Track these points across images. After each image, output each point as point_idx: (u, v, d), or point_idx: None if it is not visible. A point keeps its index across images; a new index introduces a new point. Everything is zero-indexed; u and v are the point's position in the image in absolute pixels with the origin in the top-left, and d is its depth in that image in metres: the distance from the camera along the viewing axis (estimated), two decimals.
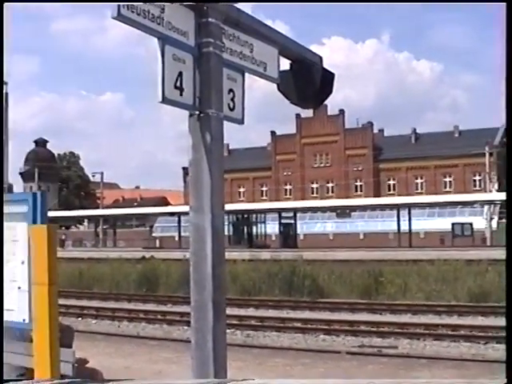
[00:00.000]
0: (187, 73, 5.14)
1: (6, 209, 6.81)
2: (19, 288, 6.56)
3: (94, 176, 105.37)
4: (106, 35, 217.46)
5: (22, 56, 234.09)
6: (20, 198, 7.03)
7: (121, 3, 4.56)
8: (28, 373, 7.54)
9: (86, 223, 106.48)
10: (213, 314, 5.18)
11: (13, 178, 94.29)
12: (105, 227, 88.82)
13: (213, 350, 5.24)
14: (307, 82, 6.51)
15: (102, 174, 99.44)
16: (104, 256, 46.41)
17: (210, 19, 5.27)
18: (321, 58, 6.71)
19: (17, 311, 6.59)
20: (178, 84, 5.03)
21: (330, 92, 6.80)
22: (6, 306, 6.72)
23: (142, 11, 4.77)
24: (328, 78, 6.74)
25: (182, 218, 70.50)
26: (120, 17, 4.59)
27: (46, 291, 5.74)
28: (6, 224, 6.75)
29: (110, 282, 34.64)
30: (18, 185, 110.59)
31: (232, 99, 5.70)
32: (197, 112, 5.22)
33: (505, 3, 5.69)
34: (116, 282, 34.30)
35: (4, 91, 58.28)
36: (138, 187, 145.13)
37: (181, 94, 5.06)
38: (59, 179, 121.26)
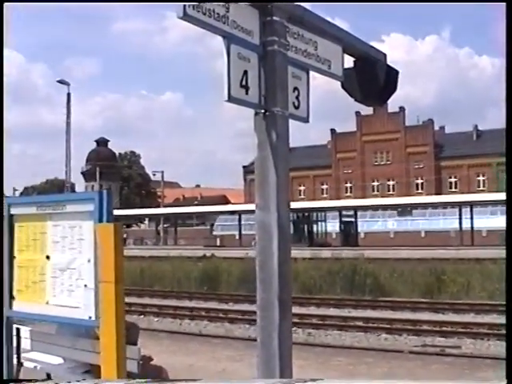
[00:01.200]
0: (252, 71, 5.15)
1: (72, 208, 6.89)
2: (85, 286, 6.63)
3: (154, 175, 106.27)
4: (165, 35, 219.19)
5: (84, 57, 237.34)
6: (86, 196, 7.11)
7: (187, 3, 4.58)
8: (94, 369, 7.63)
9: (146, 222, 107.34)
10: (279, 313, 5.18)
11: (74, 177, 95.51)
12: (166, 226, 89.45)
13: (278, 348, 5.24)
14: (371, 79, 6.47)
15: (162, 172, 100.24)
16: (165, 254, 46.67)
17: (274, 18, 5.27)
18: (385, 55, 6.67)
19: (83, 309, 6.66)
20: (244, 83, 5.05)
21: (395, 89, 6.75)
22: (71, 303, 6.81)
23: (208, 10, 4.79)
24: (392, 76, 6.69)
25: (243, 216, 70.69)
26: (186, 16, 4.61)
27: (113, 289, 5.79)
28: (71, 222, 6.84)
29: (171, 280, 34.83)
30: (79, 184, 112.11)
31: (297, 97, 5.70)
32: (262, 110, 5.23)
33: (505, 3, 5.64)
34: (177, 280, 34.49)
35: (67, 91, 59.07)
36: (198, 186, 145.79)
37: (246, 93, 5.07)
38: (120, 178, 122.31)
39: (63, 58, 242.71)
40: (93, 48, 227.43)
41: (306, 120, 5.87)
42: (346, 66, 6.27)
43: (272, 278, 5.15)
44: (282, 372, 5.23)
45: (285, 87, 5.37)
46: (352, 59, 6.46)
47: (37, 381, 3.90)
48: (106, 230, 5.91)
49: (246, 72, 5.07)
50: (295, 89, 5.67)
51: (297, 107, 5.68)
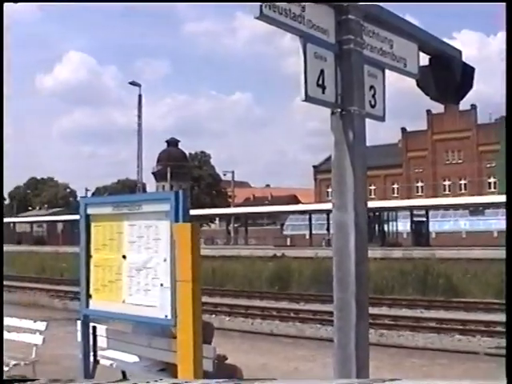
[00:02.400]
0: (329, 70, 5.13)
1: (147, 208, 6.95)
2: (161, 285, 6.69)
3: (225, 175, 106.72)
4: (234, 36, 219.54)
5: (154, 58, 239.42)
6: (162, 196, 7.18)
7: (263, 3, 4.59)
8: (169, 368, 7.68)
9: (217, 221, 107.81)
10: (356, 313, 5.15)
11: (145, 177, 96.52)
12: (236, 225, 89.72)
13: (355, 349, 5.21)
14: (447, 76, 6.39)
15: (232, 172, 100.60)
16: (235, 254, 46.88)
17: (350, 16, 5.25)
18: (460, 52, 6.57)
19: (159, 308, 6.72)
20: (320, 82, 5.03)
21: (471, 87, 6.66)
22: (148, 302, 6.87)
23: (284, 10, 4.78)
24: (468, 73, 6.60)
25: (313, 216, 70.56)
26: (262, 16, 4.61)
27: (190, 288, 5.82)
28: (147, 222, 6.90)
29: (242, 279, 34.92)
30: (150, 184, 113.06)
31: (373, 96, 5.66)
32: (339, 110, 5.20)
33: (505, 3, 5.55)
34: (248, 280, 34.56)
35: (138, 93, 59.69)
36: (268, 185, 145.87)
37: (323, 92, 5.05)
38: (191, 178, 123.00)
39: (134, 59, 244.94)
40: (163, 49, 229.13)
41: (382, 119, 5.83)
42: (421, 63, 6.21)
43: (349, 277, 5.13)
44: (359, 373, 5.20)
45: (361, 86, 5.35)
46: (427, 57, 6.40)
47: (33, 380, 3.90)
48: (184, 230, 5.95)
49: (322, 71, 5.05)
50: (371, 87, 5.63)
51: (373, 106, 5.65)
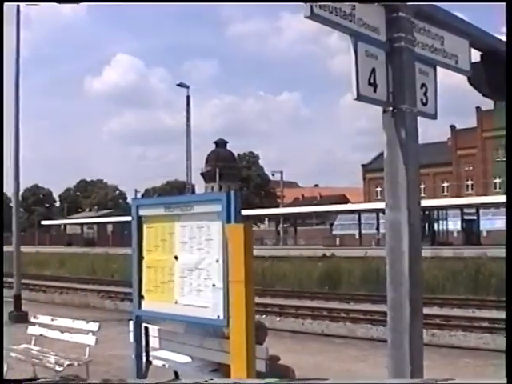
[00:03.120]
0: (380, 69, 5.10)
1: (199, 208, 6.97)
2: (213, 285, 6.70)
3: (273, 175, 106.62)
4: (280, 36, 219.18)
5: (202, 60, 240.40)
6: (213, 197, 7.19)
7: (313, 3, 4.57)
8: (222, 368, 7.69)
9: (266, 222, 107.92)
10: (410, 313, 5.11)
11: (195, 178, 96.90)
12: (285, 225, 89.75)
13: (409, 349, 5.16)
14: (500, 73, 6.29)
15: (281, 172, 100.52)
16: (285, 254, 46.83)
17: (400, 14, 5.20)
18: None
19: (211, 308, 6.73)
20: (372, 80, 5.00)
21: None
22: (200, 303, 6.88)
23: (334, 9, 4.76)
24: None
25: (362, 215, 70.27)
26: (313, 16, 4.60)
27: (243, 289, 5.82)
28: (199, 223, 6.92)
29: (292, 279, 34.91)
30: (199, 185, 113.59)
31: (425, 94, 5.60)
32: (390, 108, 5.16)
33: (505, 3, 5.46)
34: (298, 280, 34.53)
35: (186, 94, 59.92)
36: (316, 185, 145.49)
37: (375, 91, 5.02)
38: (239, 179, 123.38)
39: (181, 61, 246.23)
40: (210, 50, 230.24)
41: (434, 117, 5.77)
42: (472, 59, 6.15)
43: (402, 277, 5.09)
44: (413, 373, 5.15)
45: (412, 84, 5.30)
46: (478, 53, 6.32)
47: (32, 380, 3.90)
48: (236, 230, 5.95)
49: (373, 69, 5.02)
50: (423, 85, 5.58)
51: (425, 104, 5.59)
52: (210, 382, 4.42)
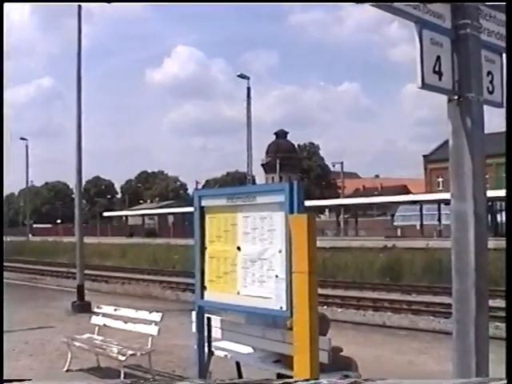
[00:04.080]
0: (445, 56, 5.02)
1: (262, 199, 6.95)
2: (276, 276, 6.68)
3: (334, 166, 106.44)
4: (341, 25, 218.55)
5: (262, 50, 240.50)
6: (276, 188, 7.16)
7: None
8: (284, 359, 7.68)
9: (327, 213, 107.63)
10: (475, 304, 5.03)
11: (255, 169, 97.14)
12: (346, 216, 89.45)
13: (475, 341, 5.08)
14: None
15: (341, 163, 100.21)
16: (346, 245, 46.65)
17: None
18: None
19: (274, 299, 6.71)
20: (437, 68, 4.92)
21: None
22: (262, 294, 6.87)
23: None
24: None
25: (424, 206, 69.66)
26: (378, 3, 4.55)
27: (306, 279, 5.79)
28: (261, 214, 6.90)
29: (353, 270, 34.74)
30: (259, 176, 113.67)
31: (491, 82, 5.50)
32: (456, 97, 5.08)
33: (505, 3, 5.30)
34: (359, 271, 34.35)
35: (246, 85, 59.97)
36: (377, 176, 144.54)
37: (440, 79, 4.94)
38: (300, 170, 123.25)
39: (241, 52, 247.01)
40: (270, 41, 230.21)
41: (500, 105, 5.66)
42: None
43: (468, 268, 5.01)
44: (479, 366, 5.08)
45: (478, 71, 5.21)
46: None
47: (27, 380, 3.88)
48: (300, 221, 5.92)
49: (438, 57, 4.94)
50: (489, 73, 5.48)
51: (491, 92, 5.49)
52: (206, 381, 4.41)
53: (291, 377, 6.49)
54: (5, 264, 49.37)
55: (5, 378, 11.21)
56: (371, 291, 29.19)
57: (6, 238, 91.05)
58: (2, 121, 8.14)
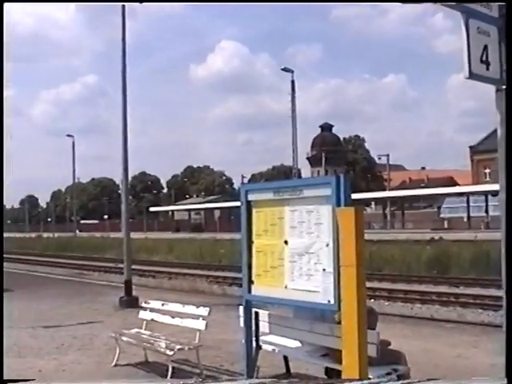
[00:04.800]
0: (492, 46, 4.96)
1: (308, 192, 6.93)
2: (324, 270, 6.65)
3: (379, 158, 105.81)
4: (385, 17, 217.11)
5: (306, 44, 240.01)
6: (323, 181, 7.14)
7: None
8: (332, 353, 7.66)
9: (373, 205, 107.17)
10: None
11: (300, 162, 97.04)
12: (392, 209, 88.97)
13: None
14: None
15: (387, 156, 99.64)
16: (392, 238, 46.41)
17: None
18: None
19: (322, 293, 6.69)
20: (484, 58, 4.86)
21: None
22: (310, 287, 6.85)
23: None
24: None
25: (471, 198, 69.04)
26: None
27: (354, 273, 5.76)
28: (308, 207, 6.88)
29: (400, 263, 34.54)
30: (305, 169, 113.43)
31: None
32: (504, 86, 5.01)
33: (505, 3, 5.16)
34: (406, 264, 34.14)
35: (290, 79, 59.88)
36: (423, 168, 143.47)
37: (487, 69, 4.88)
38: (345, 163, 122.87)
39: (285, 46, 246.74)
40: (314, 34, 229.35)
41: None
42: None
43: None
44: None
45: None
46: None
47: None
48: (347, 214, 5.89)
49: (485, 47, 4.88)
50: None
51: None
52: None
53: (339, 371, 6.47)
54: (53, 260, 50.15)
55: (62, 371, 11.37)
56: (418, 284, 29.01)
57: (54, 235, 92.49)
58: (2, 121, 8.16)
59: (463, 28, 4.76)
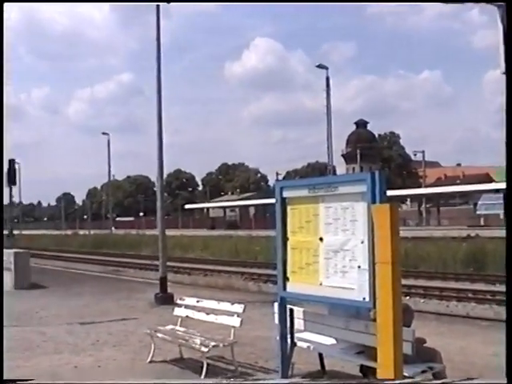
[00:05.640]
0: None
1: (344, 189, 6.91)
2: (359, 267, 6.64)
3: (415, 155, 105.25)
4: (420, 13, 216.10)
5: (340, 41, 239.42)
6: (358, 178, 7.12)
7: None
8: (367, 351, 7.64)
9: (408, 202, 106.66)
10: None
11: (335, 159, 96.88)
12: (428, 206, 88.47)
13: None
14: None
15: (423, 152, 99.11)
16: (428, 235, 46.11)
17: None
18: None
19: (357, 290, 6.68)
20: None
21: None
22: (345, 284, 6.84)
23: None
24: None
25: None
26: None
27: (390, 270, 5.74)
28: (343, 204, 6.86)
29: (435, 260, 34.32)
30: (340, 166, 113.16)
31: None
32: None
33: (505, 3, 5.05)
34: (442, 261, 33.92)
35: (325, 75, 59.75)
36: (459, 164, 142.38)
37: None
38: (380, 159, 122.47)
39: (320, 42, 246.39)
40: (348, 31, 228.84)
41: None
42: None
43: None
44: None
45: None
46: None
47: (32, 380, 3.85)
48: (383, 211, 5.87)
49: None
50: None
51: None
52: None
53: (375, 369, 6.45)
54: (89, 257, 50.49)
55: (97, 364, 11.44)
56: (454, 281, 28.83)
57: (90, 232, 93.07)
58: (2, 120, 8.20)
59: (499, 22, 4.71)
